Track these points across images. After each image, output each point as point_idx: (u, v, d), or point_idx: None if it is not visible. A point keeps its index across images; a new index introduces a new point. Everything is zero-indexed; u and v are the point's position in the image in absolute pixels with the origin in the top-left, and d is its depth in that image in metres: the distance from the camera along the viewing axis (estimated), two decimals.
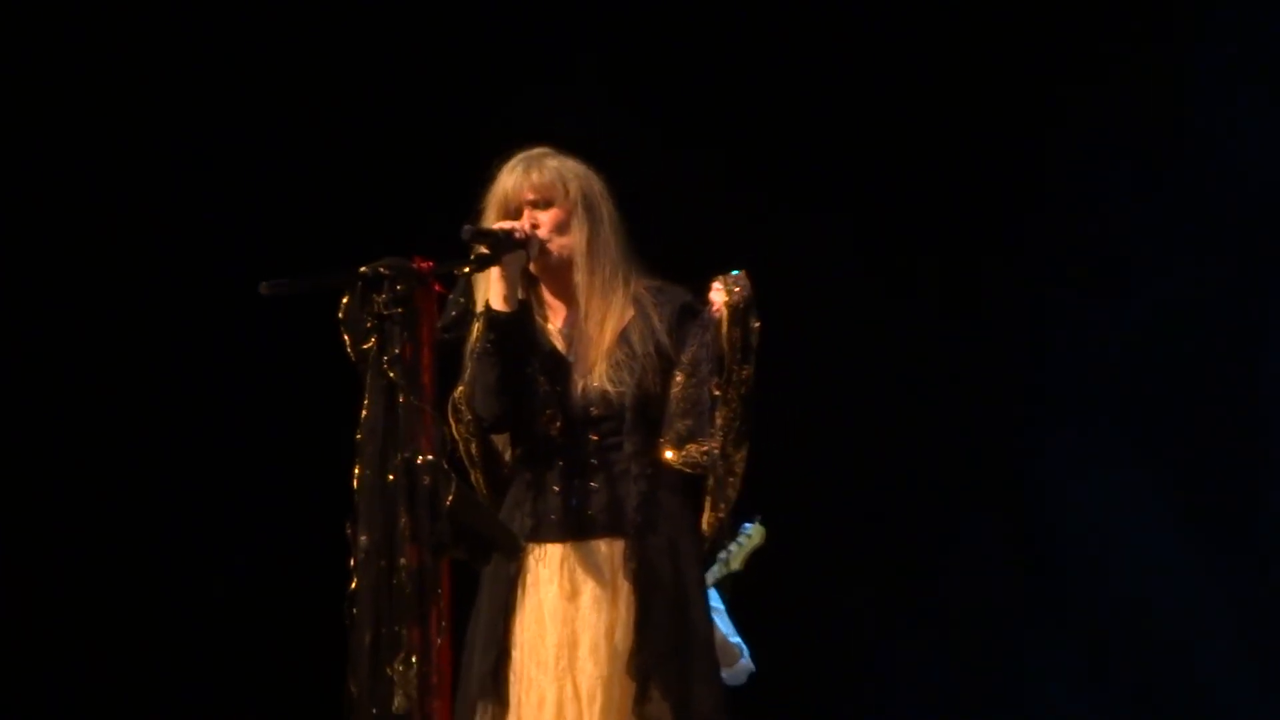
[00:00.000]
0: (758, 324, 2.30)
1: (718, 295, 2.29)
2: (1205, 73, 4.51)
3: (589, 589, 2.40)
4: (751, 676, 3.77)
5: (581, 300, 2.42)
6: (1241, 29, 4.46)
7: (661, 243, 2.50)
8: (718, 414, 2.32)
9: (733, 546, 3.83)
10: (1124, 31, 4.59)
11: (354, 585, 2.23)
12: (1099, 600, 4.29)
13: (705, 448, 2.34)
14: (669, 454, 2.37)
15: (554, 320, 2.47)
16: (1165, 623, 4.23)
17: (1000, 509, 4.57)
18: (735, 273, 2.35)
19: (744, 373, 2.32)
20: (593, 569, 2.41)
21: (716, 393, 2.31)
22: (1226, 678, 4.14)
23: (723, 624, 3.79)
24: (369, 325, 2.27)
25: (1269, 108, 4.42)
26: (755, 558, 3.92)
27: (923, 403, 4.60)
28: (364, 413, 2.25)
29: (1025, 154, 4.63)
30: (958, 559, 4.56)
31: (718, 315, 2.29)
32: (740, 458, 2.37)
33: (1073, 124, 4.60)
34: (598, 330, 2.41)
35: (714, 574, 3.81)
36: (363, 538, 2.21)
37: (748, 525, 3.88)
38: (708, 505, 2.39)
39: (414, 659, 2.24)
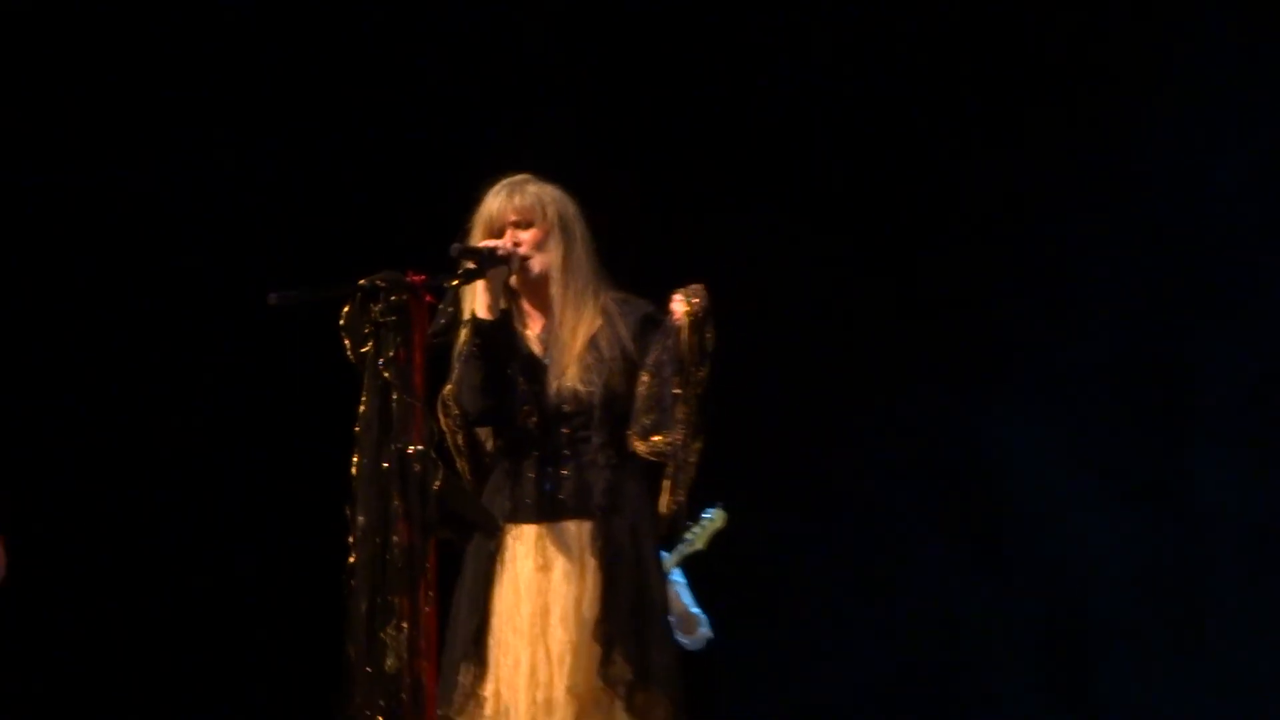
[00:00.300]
0: (711, 333, 2.45)
1: (678, 305, 2.43)
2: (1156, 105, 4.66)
3: (560, 564, 2.56)
4: (710, 642, 3.99)
5: (556, 310, 2.56)
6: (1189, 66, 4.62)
7: (626, 258, 2.67)
8: (677, 410, 2.47)
9: (697, 529, 4.03)
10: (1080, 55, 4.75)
11: (352, 560, 2.39)
12: (1040, 564, 4.53)
13: (669, 439, 2.48)
14: (637, 445, 2.52)
15: (532, 327, 2.61)
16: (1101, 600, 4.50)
17: (944, 487, 4.78)
18: (694, 286, 2.50)
19: (700, 374, 2.46)
20: (563, 547, 2.57)
21: (677, 391, 2.45)
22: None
23: (686, 596, 4.04)
24: (367, 331, 2.41)
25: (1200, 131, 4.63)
26: (717, 539, 4.12)
27: (864, 397, 4.79)
28: (361, 408, 2.41)
29: (981, 161, 4.81)
30: (897, 536, 4.76)
31: (678, 323, 2.44)
32: (696, 448, 2.52)
33: (1014, 145, 4.77)
34: (570, 337, 2.56)
35: (680, 552, 4.02)
36: (360, 518, 2.37)
37: (710, 510, 4.07)
38: (668, 490, 2.53)
39: (404, 625, 2.39)
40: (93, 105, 5.00)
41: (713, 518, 4.09)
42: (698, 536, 4.06)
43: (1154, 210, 4.51)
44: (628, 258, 2.67)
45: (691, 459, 2.53)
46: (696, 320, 2.49)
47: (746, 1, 4.89)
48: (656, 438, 2.51)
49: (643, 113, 4.56)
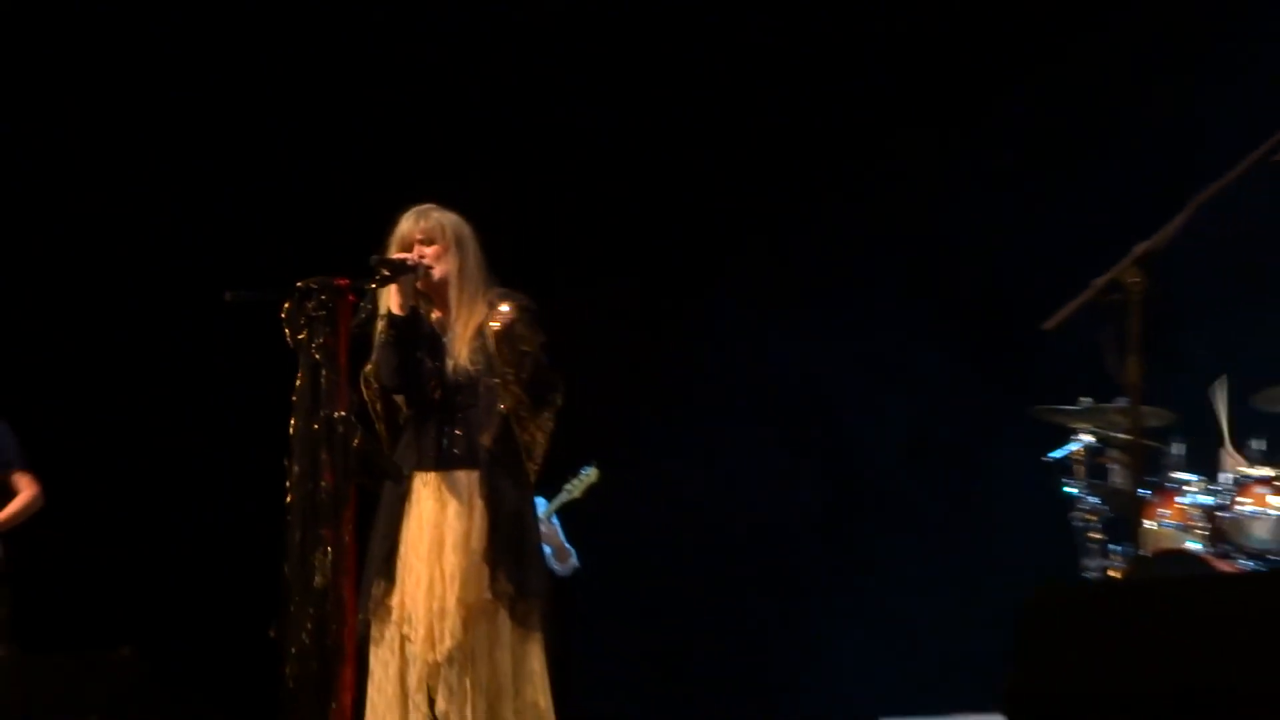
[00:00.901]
0: (526, 338, 3.05)
1: (493, 320, 3.04)
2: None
3: (453, 504, 3.06)
4: (576, 570, 4.72)
5: (453, 307, 3.06)
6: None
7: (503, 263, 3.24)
8: (531, 387, 3.04)
9: (575, 482, 4.72)
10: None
11: (289, 500, 2.84)
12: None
13: (533, 409, 3.09)
14: (505, 408, 3.06)
15: (435, 320, 3.10)
16: None
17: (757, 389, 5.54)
18: (507, 303, 3.08)
19: (523, 369, 3.06)
20: (456, 490, 3.06)
21: (513, 378, 3.04)
22: None
23: (561, 533, 4.72)
24: (302, 323, 2.87)
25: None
26: (591, 491, 4.80)
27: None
28: (298, 383, 2.88)
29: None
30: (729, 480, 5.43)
31: (494, 332, 3.05)
32: (547, 416, 3.11)
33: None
34: (463, 328, 3.04)
35: (559, 500, 4.72)
36: (295, 468, 2.84)
37: (587, 467, 4.74)
38: (533, 445, 3.15)
39: (329, 550, 2.84)
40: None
41: (589, 474, 4.75)
42: (575, 488, 4.72)
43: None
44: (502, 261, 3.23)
45: (545, 428, 3.13)
46: (506, 329, 3.07)
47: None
48: (522, 410, 3.08)
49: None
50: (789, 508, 5.45)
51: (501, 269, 3.14)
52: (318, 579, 2.91)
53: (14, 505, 4.32)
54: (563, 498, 4.77)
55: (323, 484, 2.90)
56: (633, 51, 5.65)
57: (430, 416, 3.08)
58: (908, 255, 5.53)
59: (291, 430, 2.94)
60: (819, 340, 5.37)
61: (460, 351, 3.05)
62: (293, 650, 2.92)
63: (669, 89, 5.61)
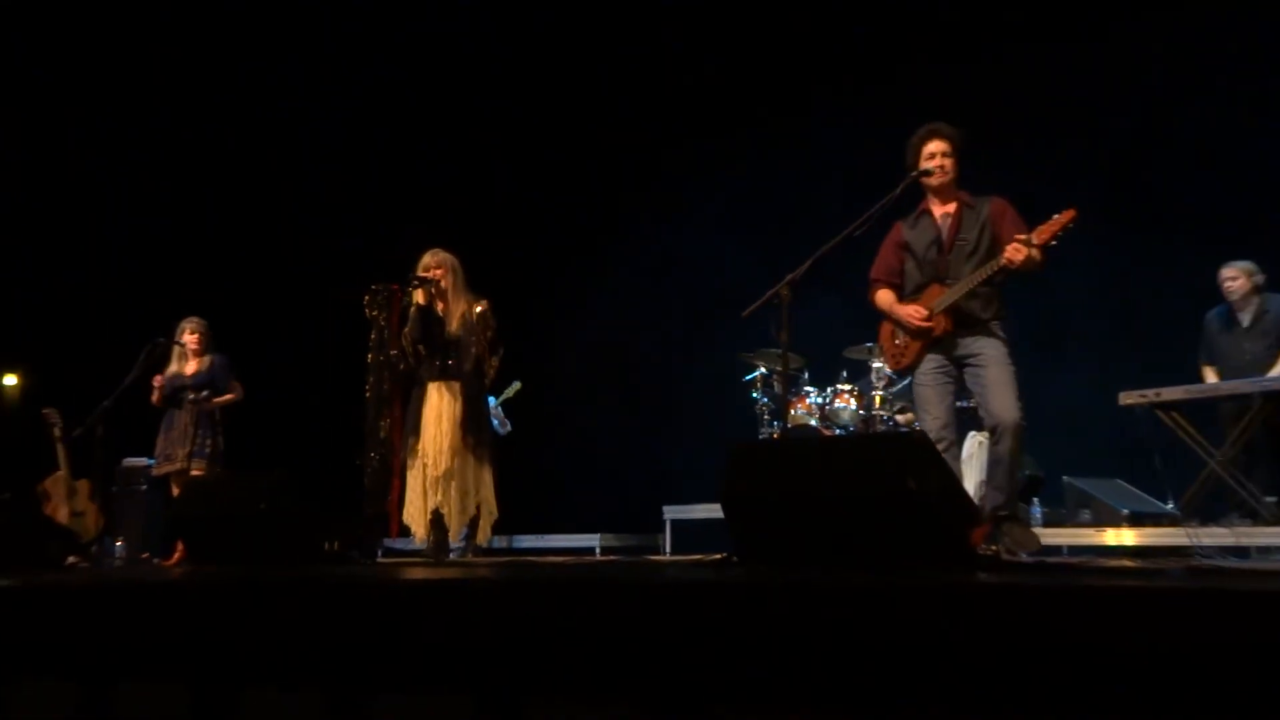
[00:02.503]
0: (495, 321, 4.70)
1: (479, 306, 4.70)
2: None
3: (447, 396, 4.64)
4: (509, 433, 6.69)
5: (450, 303, 4.69)
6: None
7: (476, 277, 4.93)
8: (490, 345, 4.70)
9: (509, 389, 6.66)
10: None
11: (367, 395, 4.52)
12: None
13: (489, 354, 4.74)
14: (476, 352, 4.63)
15: (440, 308, 4.72)
16: None
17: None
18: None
19: (493, 328, 4.69)
20: (451, 391, 4.67)
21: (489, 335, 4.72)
22: None
23: (501, 413, 6.61)
24: (374, 307, 4.59)
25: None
26: (518, 396, 6.79)
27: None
28: (371, 338, 4.57)
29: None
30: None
31: (481, 313, 4.68)
32: (496, 358, 4.75)
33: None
34: (455, 313, 4.69)
35: (503, 395, 6.69)
36: (370, 379, 4.52)
37: (516, 382, 6.77)
38: (489, 372, 4.83)
39: (388, 419, 4.55)
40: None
41: (515, 385, 6.78)
42: (509, 392, 6.70)
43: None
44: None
45: (495, 365, 4.83)
46: (479, 315, 4.67)
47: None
48: (486, 354, 4.75)
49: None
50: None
51: (476, 281, 5.05)
52: (381, 434, 4.55)
53: (228, 396, 5.89)
54: (504, 395, 6.71)
55: (384, 386, 4.56)
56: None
57: (436, 355, 4.72)
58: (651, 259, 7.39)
59: (368, 360, 4.60)
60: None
61: (452, 324, 4.76)
62: (368, 470, 4.55)
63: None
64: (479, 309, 4.81)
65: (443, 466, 4.61)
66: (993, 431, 3.75)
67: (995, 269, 3.78)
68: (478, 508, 4.72)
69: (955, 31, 6.72)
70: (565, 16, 7.64)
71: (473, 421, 4.70)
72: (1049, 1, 6.52)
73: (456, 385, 4.75)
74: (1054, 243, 3.72)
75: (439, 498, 4.61)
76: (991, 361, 3.80)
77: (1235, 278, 5.42)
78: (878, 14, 6.88)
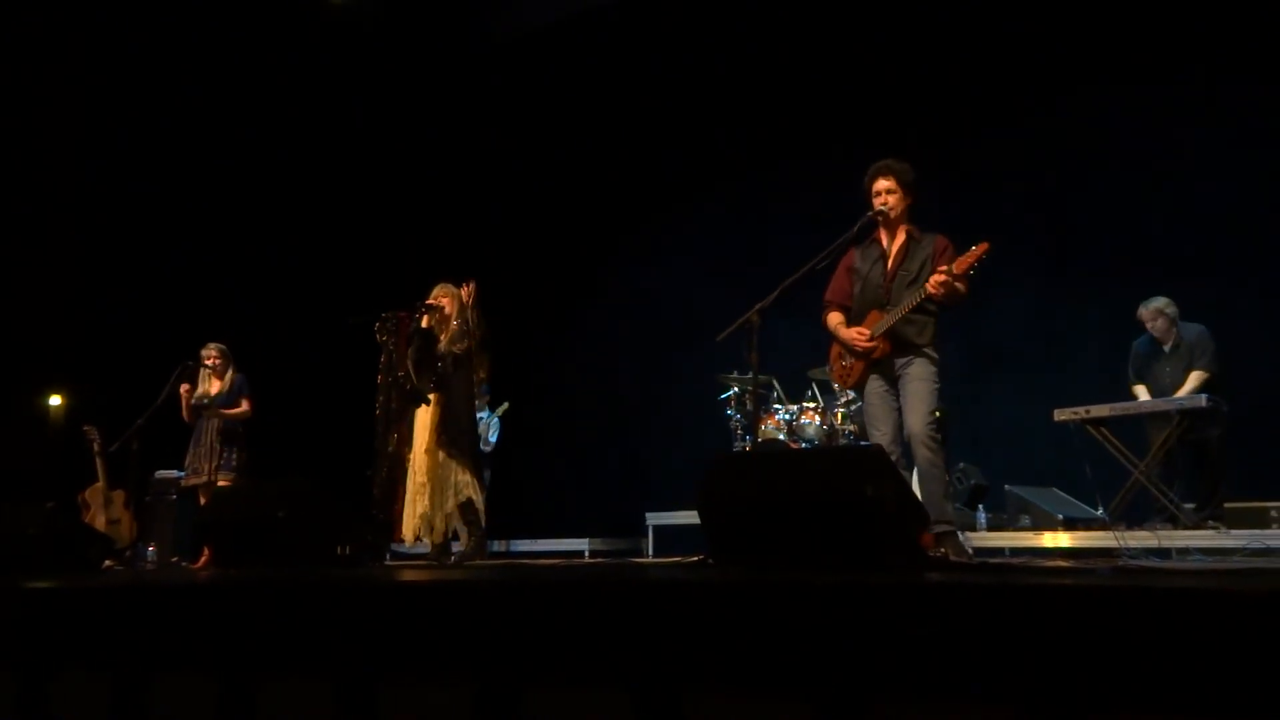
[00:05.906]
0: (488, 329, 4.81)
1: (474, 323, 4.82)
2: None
3: (434, 408, 4.66)
4: (495, 446, 6.75)
5: (451, 318, 4.75)
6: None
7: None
8: (481, 343, 4.76)
9: (501, 408, 6.75)
10: None
11: (377, 414, 4.62)
12: None
13: (479, 354, 4.78)
14: (463, 356, 4.69)
15: (440, 329, 4.79)
16: None
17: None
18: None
19: (455, 346, 4.68)
20: (436, 403, 4.65)
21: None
22: None
23: (493, 429, 6.72)
24: (384, 333, 4.69)
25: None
26: (508, 414, 6.87)
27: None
28: (381, 361, 4.68)
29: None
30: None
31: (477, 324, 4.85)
32: (486, 358, 4.80)
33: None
34: (450, 333, 4.74)
35: (497, 412, 6.77)
36: (380, 398, 4.62)
37: (505, 403, 6.86)
38: (479, 379, 4.93)
39: (395, 436, 4.65)
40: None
41: (504, 406, 6.85)
42: (499, 410, 6.77)
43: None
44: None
45: (486, 365, 4.89)
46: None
47: None
48: (477, 358, 4.80)
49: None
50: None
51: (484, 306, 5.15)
52: (389, 448, 4.66)
53: (235, 410, 5.82)
54: (499, 412, 6.82)
55: (392, 405, 4.66)
56: None
57: (436, 372, 4.73)
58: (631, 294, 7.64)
59: (379, 382, 4.69)
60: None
61: (445, 340, 4.78)
62: (377, 481, 4.70)
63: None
64: (477, 322, 4.83)
65: (423, 473, 4.64)
66: (909, 442, 3.79)
67: (922, 296, 3.82)
68: (461, 508, 4.68)
69: (907, 87, 6.86)
70: (562, 89, 8.00)
71: (450, 424, 4.70)
72: (989, 61, 6.65)
73: (442, 396, 4.76)
74: (972, 272, 3.74)
75: (426, 502, 4.61)
76: (915, 378, 3.83)
77: (1155, 319, 5.51)
78: (833, 75, 7.11)
